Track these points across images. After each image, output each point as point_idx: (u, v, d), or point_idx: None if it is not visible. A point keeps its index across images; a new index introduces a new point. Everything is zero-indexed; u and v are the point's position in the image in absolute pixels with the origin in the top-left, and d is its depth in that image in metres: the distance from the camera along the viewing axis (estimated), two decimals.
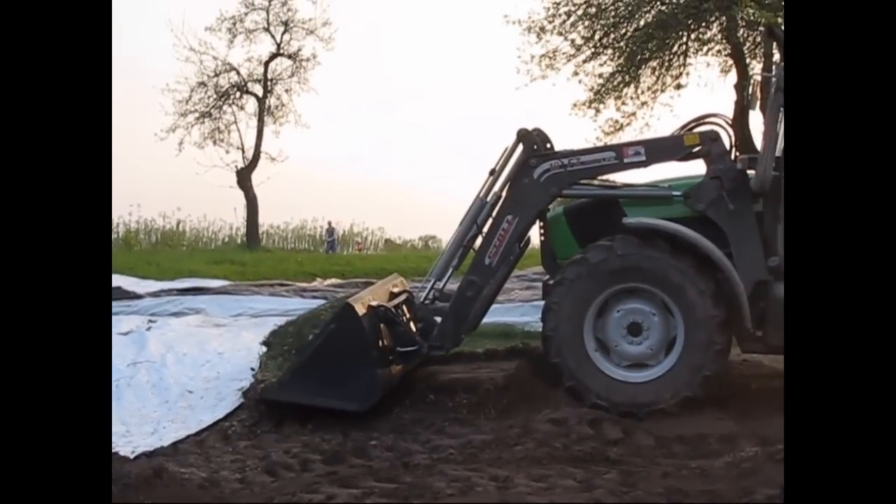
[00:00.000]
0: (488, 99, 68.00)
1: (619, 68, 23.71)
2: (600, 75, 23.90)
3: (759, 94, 9.69)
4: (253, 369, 10.22)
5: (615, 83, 23.90)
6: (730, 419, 8.18)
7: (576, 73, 23.85)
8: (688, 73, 24.30)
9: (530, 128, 9.37)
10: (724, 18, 22.76)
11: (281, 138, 32.99)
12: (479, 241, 9.48)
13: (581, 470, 7.02)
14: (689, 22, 23.02)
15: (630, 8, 23.08)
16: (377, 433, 8.24)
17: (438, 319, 9.48)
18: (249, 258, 24.92)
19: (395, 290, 10.13)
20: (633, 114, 24.31)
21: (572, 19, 23.31)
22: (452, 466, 7.20)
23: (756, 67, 23.47)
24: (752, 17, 21.99)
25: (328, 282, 20.49)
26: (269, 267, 22.87)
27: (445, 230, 37.89)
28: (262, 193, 32.22)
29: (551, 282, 9.38)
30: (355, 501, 6.48)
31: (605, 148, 9.49)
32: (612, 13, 23.32)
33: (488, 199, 9.48)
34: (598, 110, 24.05)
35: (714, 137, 9.02)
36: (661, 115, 24.42)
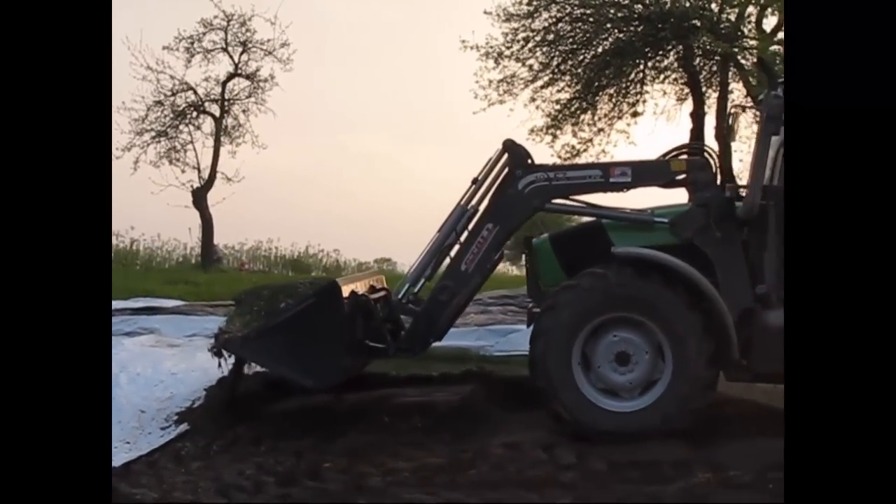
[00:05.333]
0: (446, 123, 68.04)
1: (577, 95, 23.85)
2: (557, 101, 24.02)
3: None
4: (206, 389, 10.20)
5: (572, 109, 24.03)
6: (683, 445, 8.20)
7: (533, 100, 23.97)
8: (644, 101, 24.47)
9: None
10: (680, 47, 22.97)
11: (237, 158, 32.72)
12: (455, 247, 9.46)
13: (535, 494, 7.04)
14: (647, 50, 23.22)
15: (588, 35, 23.20)
16: (331, 455, 8.21)
17: (405, 322, 9.49)
18: (204, 278, 24.72)
19: (377, 285, 10.15)
20: (590, 140, 24.42)
21: (530, 45, 23.42)
22: (406, 489, 7.20)
23: (712, 96, 23.70)
24: (708, 47, 22.21)
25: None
26: (224, 287, 22.66)
27: (401, 253, 37.71)
28: (218, 213, 32.05)
29: (536, 309, 9.37)
30: None
31: (592, 165, 9.48)
32: (571, 40, 23.42)
33: (469, 207, 9.48)
34: (555, 136, 24.16)
35: (701, 166, 9.08)
36: (618, 142, 24.61)
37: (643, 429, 8.43)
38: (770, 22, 22.30)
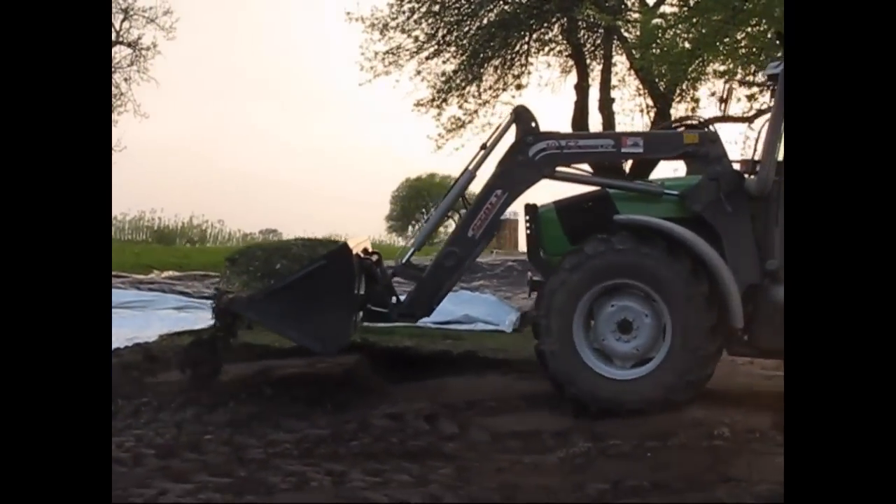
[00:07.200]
0: (331, 94, 67.76)
1: (462, 66, 23.86)
2: (443, 73, 24.02)
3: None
4: None
5: (458, 81, 24.04)
6: (563, 415, 8.30)
7: (419, 73, 23.93)
8: (529, 73, 24.58)
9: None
10: (564, 19, 23.11)
11: (119, 128, 32.20)
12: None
13: (416, 465, 7.05)
14: (531, 22, 23.33)
15: (473, 6, 23.24)
16: (212, 427, 8.14)
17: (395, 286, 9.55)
18: None
19: (369, 249, 10.05)
20: (475, 112, 24.45)
21: (416, 16, 23.36)
22: (288, 461, 7.16)
23: (596, 69, 23.91)
24: (592, 19, 22.39)
25: (165, 274, 20.18)
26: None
27: (286, 224, 37.59)
28: None
29: (537, 278, 9.43)
30: (188, 496, 6.38)
31: (604, 135, 9.46)
32: (456, 11, 23.45)
33: (478, 172, 9.52)
34: (440, 108, 24.16)
35: (714, 139, 9.04)
36: (502, 114, 24.66)
37: (641, 398, 8.41)
38: None
